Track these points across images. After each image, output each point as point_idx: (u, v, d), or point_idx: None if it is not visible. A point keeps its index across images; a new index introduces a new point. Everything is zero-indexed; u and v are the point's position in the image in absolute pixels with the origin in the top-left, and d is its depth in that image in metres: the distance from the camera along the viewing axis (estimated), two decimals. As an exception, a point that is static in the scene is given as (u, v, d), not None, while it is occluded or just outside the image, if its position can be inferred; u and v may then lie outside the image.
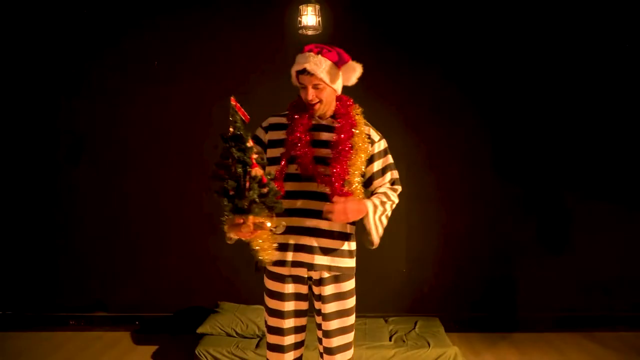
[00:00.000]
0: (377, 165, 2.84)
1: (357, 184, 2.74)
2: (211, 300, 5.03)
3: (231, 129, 2.45)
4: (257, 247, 2.64)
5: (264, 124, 2.89)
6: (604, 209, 5.09)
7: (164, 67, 5.10)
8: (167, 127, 5.14)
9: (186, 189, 5.15)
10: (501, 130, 5.10)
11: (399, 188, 2.90)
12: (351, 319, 2.87)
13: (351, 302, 2.86)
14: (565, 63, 5.05)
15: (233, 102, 2.50)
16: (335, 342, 2.84)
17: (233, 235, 2.60)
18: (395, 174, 2.90)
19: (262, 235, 2.60)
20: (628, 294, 5.14)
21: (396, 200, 2.86)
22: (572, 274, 5.12)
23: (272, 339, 2.89)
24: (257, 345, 4.37)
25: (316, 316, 2.90)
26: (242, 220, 2.46)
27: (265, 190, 2.46)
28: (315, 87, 2.72)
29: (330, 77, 2.72)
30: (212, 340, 4.42)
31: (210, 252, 5.16)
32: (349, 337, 2.88)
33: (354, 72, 2.79)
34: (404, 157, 5.07)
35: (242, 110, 2.52)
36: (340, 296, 2.82)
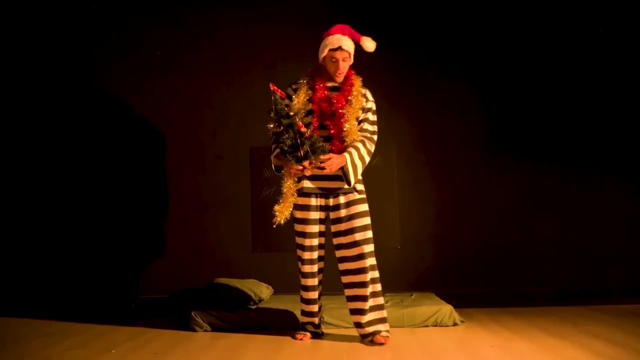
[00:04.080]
0: (365, 115, 3.86)
1: (352, 126, 3.72)
2: (206, 282, 5.02)
3: (275, 107, 3.47)
4: (277, 209, 3.67)
5: (288, 91, 3.83)
6: (605, 182, 5.17)
7: (165, 57, 5.32)
8: (166, 111, 5.30)
9: (183, 173, 5.26)
10: (493, 104, 5.25)
11: (373, 137, 3.87)
12: (367, 219, 3.78)
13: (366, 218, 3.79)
14: (557, 41, 5.25)
15: (272, 87, 3.51)
16: (358, 236, 3.72)
17: (294, 177, 3.69)
18: (373, 127, 3.89)
19: (285, 200, 3.68)
20: (631, 267, 5.13)
21: (369, 147, 3.80)
22: (571, 247, 5.14)
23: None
24: (254, 308, 4.37)
25: (334, 238, 3.81)
26: (301, 167, 3.58)
27: (312, 141, 3.51)
28: (344, 60, 3.70)
29: (352, 49, 3.73)
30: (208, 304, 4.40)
31: (206, 234, 5.21)
32: (369, 234, 3.76)
33: (368, 47, 3.76)
34: (396, 136, 5.23)
35: (279, 90, 3.57)
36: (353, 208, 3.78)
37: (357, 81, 3.81)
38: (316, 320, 3.92)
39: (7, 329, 4.47)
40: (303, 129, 3.50)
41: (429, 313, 4.23)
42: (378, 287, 3.77)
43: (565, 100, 5.23)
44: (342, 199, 3.76)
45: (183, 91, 5.31)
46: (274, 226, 3.65)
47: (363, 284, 3.70)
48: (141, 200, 5.24)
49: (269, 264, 5.14)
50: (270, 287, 4.85)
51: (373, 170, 5.07)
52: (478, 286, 5.11)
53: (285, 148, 3.53)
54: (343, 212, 3.75)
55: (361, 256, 3.70)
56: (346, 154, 3.67)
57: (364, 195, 3.81)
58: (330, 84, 3.80)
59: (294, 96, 3.76)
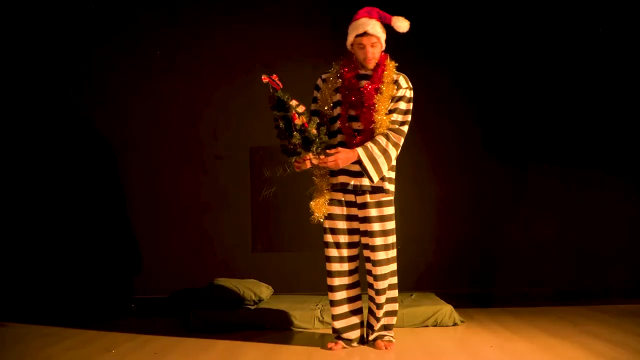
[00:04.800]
0: (395, 104, 3.50)
1: (382, 118, 3.43)
2: (206, 282, 5.02)
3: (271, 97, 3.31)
4: (313, 205, 3.49)
5: (318, 82, 3.70)
6: (605, 182, 5.17)
7: (165, 57, 5.32)
8: (166, 111, 5.31)
9: (183, 173, 5.27)
10: (493, 104, 5.25)
11: (402, 129, 3.52)
12: (393, 224, 3.60)
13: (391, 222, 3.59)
14: (557, 41, 5.24)
15: (264, 79, 3.32)
16: (381, 240, 3.53)
17: (304, 167, 3.44)
18: (406, 117, 3.53)
19: (320, 195, 3.52)
20: (631, 267, 5.14)
21: (395, 139, 3.46)
22: (571, 247, 5.15)
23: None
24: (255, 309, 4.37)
25: (362, 237, 3.60)
26: (301, 161, 3.36)
27: (305, 134, 3.29)
28: (373, 45, 3.46)
29: (382, 33, 3.50)
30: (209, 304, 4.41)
31: (206, 235, 5.22)
32: (392, 239, 3.59)
33: (382, 25, 3.50)
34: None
35: (273, 82, 3.31)
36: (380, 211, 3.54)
37: (390, 67, 3.53)
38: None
39: (7, 329, 4.47)
40: (297, 121, 3.26)
41: (429, 313, 4.23)
42: (394, 293, 3.64)
43: (566, 100, 5.23)
44: (368, 198, 3.51)
45: (183, 91, 5.31)
46: (315, 222, 3.49)
47: (381, 291, 3.55)
48: (141, 200, 5.24)
49: (269, 264, 5.14)
50: (270, 287, 4.85)
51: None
52: (478, 286, 5.11)
53: (280, 141, 3.35)
54: (372, 212, 3.52)
55: (382, 262, 3.53)
56: (360, 149, 3.39)
57: (391, 197, 3.59)
58: (362, 72, 3.55)
59: (322, 86, 3.61)
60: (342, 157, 3.39)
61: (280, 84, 3.33)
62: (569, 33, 5.23)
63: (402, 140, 3.50)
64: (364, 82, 3.52)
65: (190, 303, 4.54)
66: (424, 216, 5.20)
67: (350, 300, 3.62)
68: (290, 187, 5.17)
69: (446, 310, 4.24)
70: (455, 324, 4.23)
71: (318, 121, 3.41)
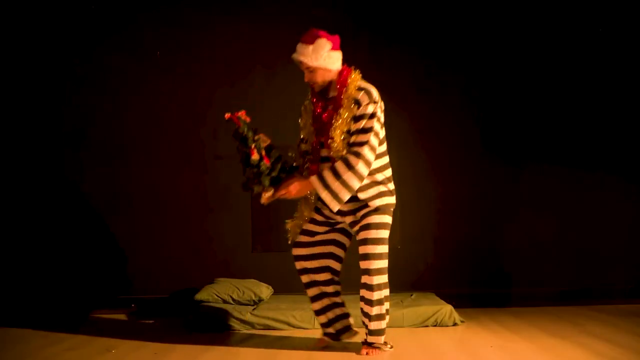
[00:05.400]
0: (356, 125, 3.33)
1: (338, 141, 3.32)
2: (207, 282, 5.02)
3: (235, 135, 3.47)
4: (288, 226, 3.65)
5: (301, 109, 3.66)
6: (605, 182, 5.18)
7: (165, 57, 5.32)
8: (166, 111, 5.30)
9: (183, 173, 5.26)
10: (493, 104, 5.26)
11: (358, 150, 3.30)
12: (379, 233, 3.43)
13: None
14: (557, 41, 5.25)
15: (227, 117, 3.49)
16: (365, 249, 3.42)
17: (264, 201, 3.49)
18: (364, 137, 3.31)
19: (299, 218, 3.63)
20: (631, 267, 5.14)
21: (352, 163, 3.27)
22: (571, 247, 5.15)
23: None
24: (254, 309, 4.36)
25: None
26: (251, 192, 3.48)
27: (259, 169, 3.38)
28: (309, 71, 3.38)
29: (315, 59, 3.34)
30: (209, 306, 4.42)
31: (206, 234, 5.21)
32: (380, 249, 3.42)
33: (323, 48, 3.35)
34: (396, 136, 5.23)
35: (237, 119, 3.46)
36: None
37: (352, 85, 3.36)
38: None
39: (7, 329, 4.47)
40: (254, 156, 3.37)
41: (429, 313, 4.23)
42: (380, 294, 3.44)
43: (566, 101, 5.23)
44: (349, 219, 3.48)
45: (183, 91, 5.31)
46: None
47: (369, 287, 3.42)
48: (141, 200, 5.23)
49: (269, 264, 5.14)
50: (270, 287, 4.85)
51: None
52: (478, 286, 5.11)
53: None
54: (358, 225, 3.45)
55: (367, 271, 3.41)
56: (314, 177, 3.33)
57: (377, 208, 3.42)
58: (330, 94, 3.44)
59: (302, 113, 3.59)
60: (294, 189, 3.39)
61: (247, 118, 3.46)
62: (568, 33, 5.23)
63: (359, 163, 3.28)
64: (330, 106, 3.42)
65: (191, 303, 4.55)
66: (424, 216, 5.20)
67: (322, 296, 3.64)
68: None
69: (446, 310, 4.25)
70: (455, 324, 4.23)
71: (277, 155, 3.47)
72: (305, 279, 3.65)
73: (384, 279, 3.44)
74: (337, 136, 3.33)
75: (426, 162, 5.23)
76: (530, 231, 5.17)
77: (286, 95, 5.30)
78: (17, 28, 5.27)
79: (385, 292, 3.46)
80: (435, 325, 4.22)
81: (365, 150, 3.29)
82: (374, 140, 3.34)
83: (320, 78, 3.39)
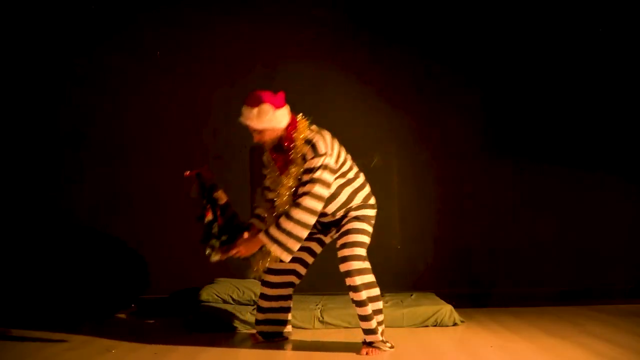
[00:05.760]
0: (303, 176, 3.41)
1: (285, 199, 3.43)
2: (207, 282, 5.02)
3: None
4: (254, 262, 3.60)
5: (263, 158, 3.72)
6: (605, 182, 5.19)
7: (165, 57, 5.32)
8: (166, 111, 5.30)
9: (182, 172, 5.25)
10: (493, 104, 5.26)
11: (299, 201, 3.37)
12: (356, 237, 3.52)
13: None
14: (557, 41, 5.26)
15: (186, 175, 3.58)
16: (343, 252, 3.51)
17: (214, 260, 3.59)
18: (307, 187, 3.37)
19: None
20: (631, 267, 5.15)
21: (292, 214, 3.35)
22: (571, 247, 5.16)
23: None
24: (254, 309, 4.34)
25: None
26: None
27: (211, 230, 3.48)
28: (256, 132, 3.47)
29: (261, 122, 3.41)
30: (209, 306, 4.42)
31: (207, 235, 5.20)
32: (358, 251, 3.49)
33: (267, 112, 3.41)
34: (396, 136, 5.25)
35: (196, 176, 3.57)
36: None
37: (299, 139, 3.44)
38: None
39: (6, 329, 4.47)
40: (208, 216, 3.48)
41: (429, 313, 4.23)
42: (361, 295, 3.48)
43: (566, 101, 5.23)
44: (333, 232, 3.67)
45: (183, 91, 5.31)
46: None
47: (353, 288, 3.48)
48: (141, 200, 5.23)
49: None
50: (270, 287, 4.84)
51: (373, 170, 5.06)
52: (478, 286, 5.12)
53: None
54: (339, 233, 3.60)
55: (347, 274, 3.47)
56: (261, 234, 3.42)
57: (357, 217, 3.55)
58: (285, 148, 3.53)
59: (265, 162, 3.68)
60: (244, 249, 3.47)
61: (207, 174, 3.60)
62: (569, 33, 5.24)
63: (300, 212, 3.35)
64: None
65: (191, 303, 4.55)
66: (424, 216, 5.20)
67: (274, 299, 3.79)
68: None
69: (446, 310, 4.25)
70: (455, 324, 4.23)
71: (232, 214, 3.56)
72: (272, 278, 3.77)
73: (367, 278, 3.48)
74: (283, 193, 3.45)
75: (426, 162, 5.23)
76: (530, 231, 5.17)
77: (286, 95, 5.30)
78: (17, 28, 5.27)
79: (373, 291, 3.51)
80: (435, 325, 4.22)
81: (307, 201, 3.36)
82: (320, 190, 3.38)
83: (269, 137, 3.49)
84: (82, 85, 5.30)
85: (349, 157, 3.63)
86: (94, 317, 4.79)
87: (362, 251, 3.50)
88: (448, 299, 4.52)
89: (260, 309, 3.80)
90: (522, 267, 5.13)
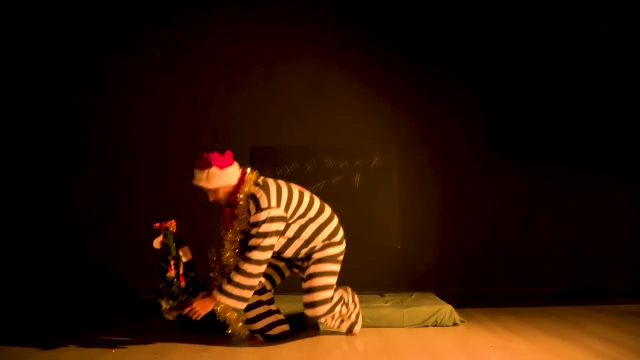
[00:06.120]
0: (251, 230, 3.49)
1: (229, 253, 3.55)
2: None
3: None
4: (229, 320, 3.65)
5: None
6: (604, 183, 5.19)
7: (165, 57, 5.33)
8: (166, 111, 5.31)
9: (183, 173, 5.25)
10: (493, 104, 5.27)
11: (247, 254, 3.46)
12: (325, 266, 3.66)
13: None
14: (557, 41, 5.27)
15: (155, 226, 3.60)
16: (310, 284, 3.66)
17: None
18: (253, 241, 3.46)
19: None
20: (631, 267, 5.14)
21: (241, 266, 3.45)
22: (571, 247, 5.16)
23: None
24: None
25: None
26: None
27: (170, 288, 3.49)
28: (210, 192, 3.55)
29: (212, 182, 3.50)
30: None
31: (207, 234, 5.19)
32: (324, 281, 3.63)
33: (216, 173, 3.49)
34: (396, 136, 5.25)
35: (164, 229, 3.57)
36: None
37: (243, 194, 3.54)
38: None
39: (6, 329, 4.47)
40: (169, 273, 3.51)
41: (429, 313, 4.23)
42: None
43: (565, 101, 5.24)
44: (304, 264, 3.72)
45: (183, 91, 5.31)
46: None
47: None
48: (140, 200, 5.24)
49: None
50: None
51: (374, 170, 5.08)
52: (478, 286, 5.12)
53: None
54: (304, 275, 3.72)
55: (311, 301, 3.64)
56: (215, 292, 3.48)
57: (320, 259, 3.65)
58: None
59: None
60: (199, 307, 3.49)
61: (174, 229, 3.61)
62: (569, 34, 5.24)
63: (250, 267, 3.45)
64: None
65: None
66: (424, 216, 5.21)
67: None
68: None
69: (446, 310, 4.24)
70: (455, 324, 4.23)
71: (194, 275, 3.61)
72: None
73: (335, 310, 3.67)
74: (228, 247, 3.56)
75: (426, 162, 5.24)
76: (530, 231, 5.17)
77: (286, 95, 5.32)
78: (17, 28, 5.28)
79: (339, 307, 3.71)
80: (435, 325, 4.22)
81: (254, 254, 3.45)
82: (267, 242, 3.47)
83: (223, 194, 3.58)
84: (82, 85, 5.30)
85: (307, 195, 3.67)
86: (94, 317, 4.79)
87: (328, 293, 3.62)
88: (448, 299, 4.52)
89: (249, 320, 3.81)
90: (522, 267, 5.13)
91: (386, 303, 4.42)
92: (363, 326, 4.04)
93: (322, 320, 3.68)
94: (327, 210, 3.73)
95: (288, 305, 4.36)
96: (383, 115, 5.27)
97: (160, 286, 3.52)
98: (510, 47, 5.26)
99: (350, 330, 3.92)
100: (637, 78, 5.20)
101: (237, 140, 5.27)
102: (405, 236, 5.16)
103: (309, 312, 3.64)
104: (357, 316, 3.93)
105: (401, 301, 4.49)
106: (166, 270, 3.52)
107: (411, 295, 4.74)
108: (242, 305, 3.53)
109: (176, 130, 5.30)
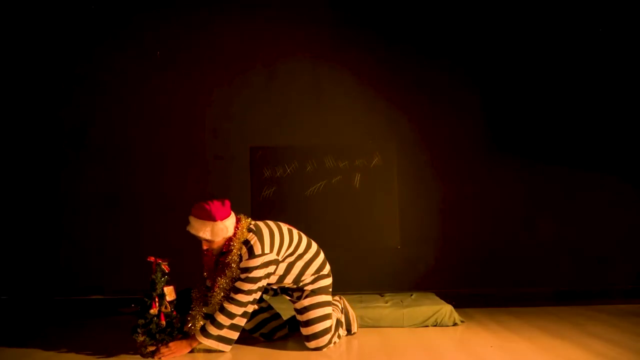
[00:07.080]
0: (241, 275, 3.46)
1: (218, 298, 3.47)
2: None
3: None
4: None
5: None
6: (604, 183, 5.19)
7: (165, 57, 5.33)
8: (166, 111, 5.31)
9: (183, 173, 5.26)
10: (493, 104, 5.27)
11: (232, 295, 3.45)
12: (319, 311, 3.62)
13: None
14: (557, 42, 5.27)
15: (149, 259, 3.68)
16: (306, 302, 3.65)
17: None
18: (238, 285, 3.44)
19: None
20: (631, 267, 5.15)
21: (225, 306, 3.43)
22: (571, 247, 5.16)
23: None
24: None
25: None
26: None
27: (149, 325, 3.51)
28: (206, 241, 3.52)
29: (211, 235, 3.48)
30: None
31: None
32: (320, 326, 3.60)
33: (216, 225, 3.46)
34: (396, 136, 5.25)
35: (155, 265, 3.65)
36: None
37: (237, 242, 3.49)
38: None
39: (6, 329, 4.47)
40: (152, 310, 3.51)
41: (429, 313, 4.23)
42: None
43: (565, 101, 5.24)
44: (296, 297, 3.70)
45: (183, 91, 5.31)
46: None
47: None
48: (141, 200, 5.24)
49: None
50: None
51: (374, 170, 5.08)
52: (478, 286, 5.12)
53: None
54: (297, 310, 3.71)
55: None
56: (198, 332, 3.45)
57: (313, 290, 3.64)
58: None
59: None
60: (175, 348, 3.45)
61: (166, 269, 3.66)
62: (569, 34, 5.24)
63: (235, 308, 3.44)
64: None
65: (190, 303, 4.53)
66: (424, 216, 5.20)
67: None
68: (290, 187, 5.17)
69: (446, 310, 4.24)
70: (455, 324, 4.23)
71: (177, 316, 3.58)
72: None
73: (330, 330, 3.62)
74: (217, 292, 3.48)
75: (426, 162, 5.24)
76: (530, 231, 5.17)
77: (286, 95, 5.32)
78: (17, 28, 5.27)
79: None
80: (435, 325, 4.22)
81: (239, 295, 3.43)
82: (257, 286, 3.46)
83: (217, 246, 3.55)
84: (82, 85, 5.30)
85: (295, 232, 3.67)
86: (94, 317, 4.78)
87: (328, 322, 3.61)
88: (448, 299, 4.52)
89: (251, 330, 3.82)
90: (522, 267, 5.13)
91: (386, 303, 4.42)
92: (363, 326, 4.03)
93: (325, 350, 3.60)
94: (314, 246, 3.73)
95: (288, 305, 4.37)
96: (383, 115, 5.27)
97: (139, 322, 3.50)
98: (510, 47, 5.25)
99: (349, 331, 3.92)
100: (636, 78, 5.20)
101: (236, 139, 5.27)
102: (405, 236, 5.16)
103: (312, 345, 3.58)
104: (352, 318, 3.95)
105: (401, 301, 4.49)
106: (150, 307, 3.53)
107: (411, 295, 4.75)
108: (226, 347, 3.49)
109: (176, 130, 5.30)
